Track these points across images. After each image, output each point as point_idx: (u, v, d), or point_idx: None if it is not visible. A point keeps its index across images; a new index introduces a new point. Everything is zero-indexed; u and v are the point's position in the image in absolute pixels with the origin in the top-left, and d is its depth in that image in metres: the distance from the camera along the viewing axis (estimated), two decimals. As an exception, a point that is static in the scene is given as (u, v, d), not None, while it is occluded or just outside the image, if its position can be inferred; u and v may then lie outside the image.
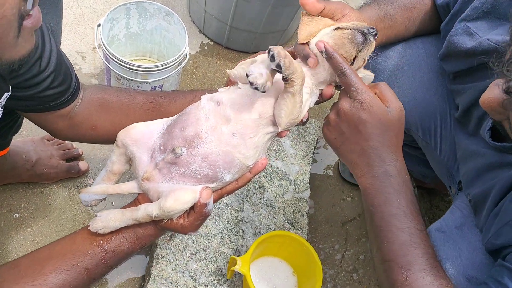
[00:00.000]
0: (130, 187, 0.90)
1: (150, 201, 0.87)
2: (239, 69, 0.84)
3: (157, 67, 1.38)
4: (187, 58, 1.45)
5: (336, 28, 0.83)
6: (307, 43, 0.85)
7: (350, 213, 1.61)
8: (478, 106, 0.98)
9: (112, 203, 1.41)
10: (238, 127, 0.81)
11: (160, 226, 0.88)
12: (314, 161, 1.67)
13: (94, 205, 0.95)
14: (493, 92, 0.71)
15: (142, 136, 0.87)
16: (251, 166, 0.86)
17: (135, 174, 0.89)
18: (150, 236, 0.89)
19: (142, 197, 0.91)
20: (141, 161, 0.86)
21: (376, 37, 0.82)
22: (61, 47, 1.65)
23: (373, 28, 0.82)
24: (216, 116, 0.81)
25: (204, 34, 1.86)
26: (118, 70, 1.39)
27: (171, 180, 0.83)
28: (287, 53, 0.75)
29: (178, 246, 1.28)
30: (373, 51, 0.86)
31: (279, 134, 0.87)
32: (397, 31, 1.07)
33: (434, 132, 1.17)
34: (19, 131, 1.26)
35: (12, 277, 0.82)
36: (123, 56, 1.42)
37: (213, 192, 0.87)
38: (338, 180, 1.66)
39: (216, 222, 1.34)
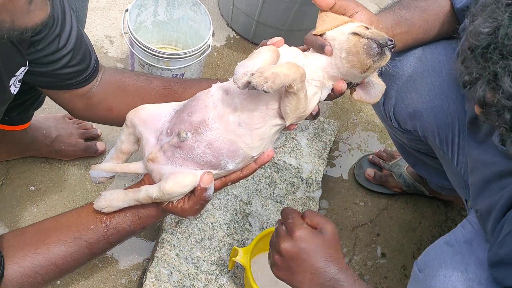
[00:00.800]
0: (137, 167, 0.92)
1: (154, 182, 0.89)
2: None
3: (179, 54, 1.40)
4: (210, 49, 1.46)
5: (354, 33, 0.81)
6: (321, 35, 0.84)
7: (362, 218, 1.58)
8: None
9: (125, 184, 1.44)
10: (244, 117, 0.81)
11: (162, 208, 0.89)
12: (333, 165, 1.66)
13: (102, 182, 0.97)
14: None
15: (151, 117, 0.88)
16: (255, 157, 0.86)
17: (142, 154, 0.90)
18: (152, 217, 0.91)
19: (147, 178, 0.93)
20: (148, 142, 0.88)
21: (393, 50, 0.80)
22: (91, 30, 1.70)
23: (391, 40, 0.80)
24: (224, 105, 0.82)
25: (231, 28, 1.87)
26: (141, 55, 1.42)
27: (174, 163, 0.84)
28: (267, 68, 0.73)
29: (184, 233, 1.29)
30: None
31: (287, 128, 0.86)
32: (415, 35, 1.05)
33: (451, 141, 1.14)
34: (42, 108, 1.31)
35: (17, 244, 0.85)
36: (150, 43, 1.44)
37: (216, 179, 0.88)
38: (352, 183, 1.64)
39: (224, 213, 1.34)
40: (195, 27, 1.57)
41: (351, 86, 0.86)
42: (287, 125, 0.84)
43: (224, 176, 0.89)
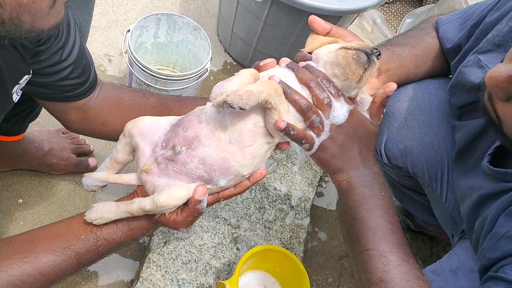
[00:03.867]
0: (130, 178, 0.92)
1: (147, 194, 0.89)
2: None
3: (177, 76, 1.42)
4: (207, 73, 1.49)
5: (341, 48, 0.85)
6: (310, 53, 0.90)
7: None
8: (483, 139, 0.98)
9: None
10: (235, 135, 0.83)
11: (154, 220, 0.89)
12: (321, 194, 1.67)
13: (94, 190, 0.97)
14: (500, 68, 0.71)
15: (149, 129, 0.89)
16: (246, 176, 0.88)
17: (136, 165, 0.91)
18: (143, 229, 0.91)
19: (140, 190, 0.93)
20: (143, 153, 0.89)
21: (379, 57, 0.85)
22: (91, 48, 1.72)
23: (377, 49, 0.84)
24: (216, 122, 0.84)
25: (228, 54, 1.91)
26: (140, 75, 1.44)
27: (168, 175, 0.85)
28: (241, 87, 0.76)
29: (171, 254, 1.28)
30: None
31: (279, 146, 0.89)
32: (407, 69, 1.09)
33: (441, 178, 1.16)
34: (36, 121, 1.31)
35: (5, 252, 0.84)
36: (148, 63, 1.46)
37: (209, 194, 0.89)
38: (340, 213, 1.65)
39: (212, 236, 1.34)
40: (194, 51, 1.60)
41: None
42: (276, 142, 0.86)
43: (217, 192, 0.90)
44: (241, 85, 0.79)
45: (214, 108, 0.84)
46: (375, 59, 0.84)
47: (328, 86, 0.86)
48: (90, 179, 0.95)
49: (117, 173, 0.95)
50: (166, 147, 0.86)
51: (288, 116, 0.81)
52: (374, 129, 0.91)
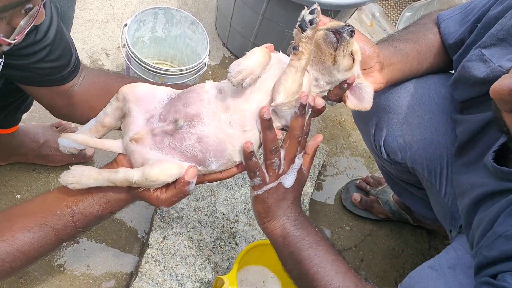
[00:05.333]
0: (113, 145, 0.87)
1: (129, 165, 0.86)
2: None
3: (175, 71, 1.42)
4: (206, 67, 1.48)
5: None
6: None
7: (347, 242, 1.59)
8: (486, 134, 0.98)
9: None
10: (236, 116, 0.82)
11: (134, 193, 0.86)
12: (320, 188, 1.67)
13: (72, 153, 0.90)
14: (504, 81, 0.71)
15: (145, 96, 0.86)
16: (236, 163, 0.87)
17: (124, 132, 0.87)
18: (120, 201, 0.87)
19: (120, 160, 0.89)
20: (135, 120, 0.85)
21: (352, 34, 0.82)
22: (88, 42, 1.71)
23: (349, 25, 0.82)
24: (217, 103, 0.83)
25: (227, 48, 1.90)
26: (137, 69, 1.43)
27: (161, 149, 0.83)
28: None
29: (170, 249, 1.28)
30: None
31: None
32: (410, 65, 1.08)
33: (440, 174, 1.16)
34: (33, 116, 1.31)
35: None
36: (146, 58, 1.46)
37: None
38: (338, 207, 1.66)
39: (211, 231, 1.34)
40: (192, 45, 1.60)
41: (344, 89, 0.89)
42: (273, 104, 0.83)
43: (203, 174, 0.88)
44: (258, 62, 0.79)
45: (216, 88, 0.84)
46: (346, 36, 0.82)
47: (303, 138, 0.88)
48: (68, 140, 0.88)
49: (99, 138, 0.90)
50: (165, 120, 0.83)
51: (299, 88, 0.81)
52: (306, 179, 0.94)
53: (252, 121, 0.83)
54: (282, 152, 0.87)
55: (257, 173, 0.86)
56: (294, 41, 0.81)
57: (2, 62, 0.85)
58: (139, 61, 1.40)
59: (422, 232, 1.68)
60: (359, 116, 1.28)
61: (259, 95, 0.83)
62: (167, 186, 0.85)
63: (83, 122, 1.05)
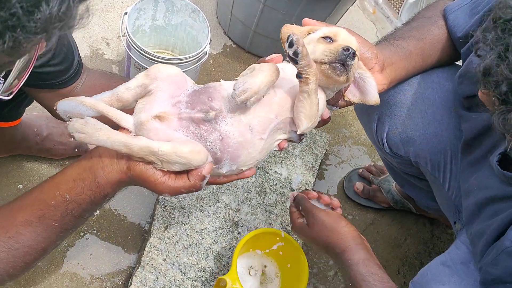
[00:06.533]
0: (123, 117, 0.81)
1: None
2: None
3: (176, 60, 1.40)
4: (207, 56, 1.47)
5: (316, 63, 0.81)
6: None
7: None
8: (491, 135, 0.97)
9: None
10: (255, 121, 0.81)
11: (134, 174, 0.80)
12: (322, 177, 1.67)
13: (71, 120, 0.78)
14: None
15: (177, 80, 0.83)
16: (243, 171, 0.87)
17: (141, 109, 0.81)
18: (113, 184, 0.82)
19: None
20: (160, 100, 0.81)
21: (355, 55, 0.82)
22: (88, 31, 1.69)
23: (347, 50, 0.81)
24: (237, 104, 0.80)
25: (228, 36, 1.88)
26: (138, 58, 1.42)
27: (186, 134, 0.80)
28: (303, 42, 0.75)
29: (172, 238, 1.28)
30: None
31: (279, 145, 0.87)
32: (414, 62, 1.06)
33: (443, 168, 1.15)
34: (34, 106, 1.30)
35: None
36: (146, 47, 1.44)
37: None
38: (341, 196, 1.65)
39: (213, 220, 1.34)
40: (193, 34, 1.58)
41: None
42: (299, 132, 0.84)
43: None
44: (265, 81, 0.76)
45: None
46: (350, 62, 0.81)
47: None
48: (72, 102, 0.79)
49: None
50: (193, 108, 0.81)
51: (317, 107, 0.82)
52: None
53: (268, 129, 0.82)
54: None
55: None
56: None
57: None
58: (139, 50, 1.39)
59: (425, 221, 1.68)
60: (361, 110, 1.27)
61: (277, 107, 0.82)
62: (177, 174, 0.81)
63: None
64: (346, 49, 0.81)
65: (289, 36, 0.73)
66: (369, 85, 0.90)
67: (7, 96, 0.71)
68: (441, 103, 1.13)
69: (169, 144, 0.77)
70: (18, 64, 0.70)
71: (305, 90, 0.78)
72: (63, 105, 0.80)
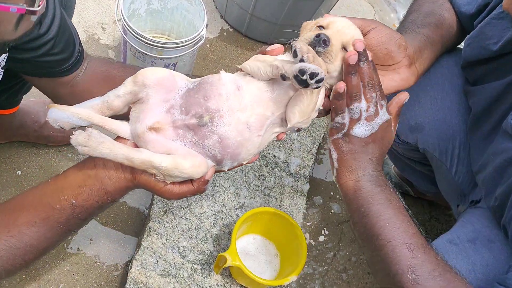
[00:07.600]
0: (120, 127, 0.81)
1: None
2: (252, 65, 0.81)
3: (173, 44, 1.40)
4: (203, 40, 1.46)
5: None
6: None
7: (347, 214, 1.60)
8: (503, 101, 0.96)
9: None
10: (253, 119, 0.80)
11: (139, 183, 0.81)
12: (320, 161, 1.67)
13: (62, 128, 0.80)
14: None
15: (166, 83, 0.80)
16: (243, 164, 0.87)
17: (136, 119, 0.80)
18: (120, 191, 0.84)
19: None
20: (152, 108, 0.79)
21: (326, 43, 0.80)
22: (84, 16, 1.68)
23: (318, 36, 0.80)
24: (235, 100, 0.79)
25: (225, 20, 1.87)
26: (135, 43, 1.41)
27: (184, 143, 0.80)
28: (310, 47, 0.75)
29: (171, 222, 1.29)
30: None
31: (277, 136, 0.86)
32: (437, 51, 1.03)
33: (451, 153, 1.15)
34: (31, 92, 1.30)
35: None
36: (142, 31, 1.43)
37: None
38: (339, 179, 1.65)
39: (212, 204, 1.35)
40: (189, 18, 1.57)
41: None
42: (287, 127, 0.83)
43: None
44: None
45: (234, 84, 0.80)
46: (320, 49, 0.80)
47: (379, 91, 0.86)
48: (63, 112, 0.77)
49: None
50: (187, 114, 0.79)
51: (314, 108, 0.81)
52: (392, 139, 0.91)
53: (265, 125, 0.81)
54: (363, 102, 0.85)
55: (340, 114, 0.86)
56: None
57: (7, 56, 0.84)
58: (136, 35, 1.38)
59: (423, 203, 1.69)
60: None
61: (274, 103, 0.81)
62: (181, 182, 0.82)
63: None
64: (317, 35, 0.80)
65: (291, 45, 0.74)
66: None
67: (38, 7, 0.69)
68: (451, 88, 1.12)
69: (170, 159, 0.76)
70: None
71: (309, 88, 0.76)
72: (54, 114, 0.78)
